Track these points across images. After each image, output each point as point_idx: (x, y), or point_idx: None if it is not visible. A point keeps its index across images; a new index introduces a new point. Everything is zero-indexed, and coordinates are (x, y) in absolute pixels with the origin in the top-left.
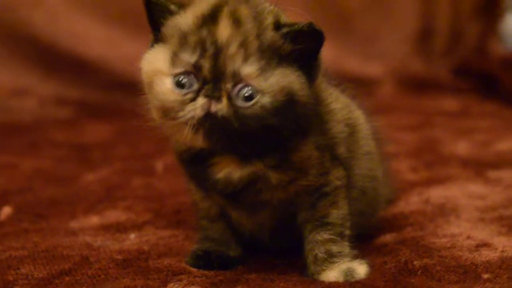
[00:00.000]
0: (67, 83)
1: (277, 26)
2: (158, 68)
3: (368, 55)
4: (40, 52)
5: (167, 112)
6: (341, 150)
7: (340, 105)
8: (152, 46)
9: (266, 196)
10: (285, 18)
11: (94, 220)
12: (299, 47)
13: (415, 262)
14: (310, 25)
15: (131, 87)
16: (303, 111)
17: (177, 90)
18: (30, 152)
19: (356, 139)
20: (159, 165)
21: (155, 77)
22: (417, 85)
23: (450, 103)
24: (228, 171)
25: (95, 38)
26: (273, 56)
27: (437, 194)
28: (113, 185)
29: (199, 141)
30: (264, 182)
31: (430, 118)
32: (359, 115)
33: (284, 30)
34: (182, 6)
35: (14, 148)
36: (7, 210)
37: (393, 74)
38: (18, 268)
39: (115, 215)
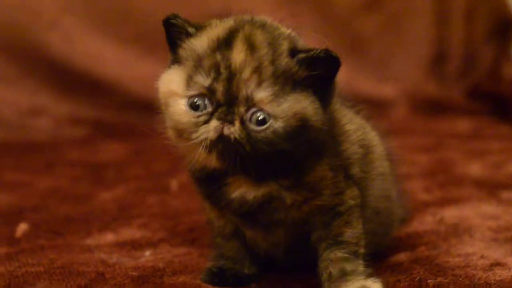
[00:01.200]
0: (82, 103)
1: (292, 52)
2: (173, 90)
3: (382, 78)
4: (55, 72)
5: (181, 132)
6: (355, 170)
7: (354, 126)
8: (169, 66)
9: (280, 216)
10: (301, 44)
11: (109, 237)
12: (315, 73)
13: (429, 281)
14: (327, 51)
15: (145, 107)
16: (316, 135)
17: (191, 112)
18: (45, 171)
19: (370, 160)
20: (174, 184)
21: (170, 99)
22: (430, 108)
23: (463, 125)
24: (243, 191)
25: (109, 59)
26: (287, 82)
27: (450, 214)
28: (128, 204)
29: (213, 162)
30: (278, 202)
31: (443, 139)
32: (373, 137)
33: (300, 56)
34: (196, 28)
35: (29, 167)
36: (23, 227)
37: (407, 97)
38: (35, 284)
39: (130, 233)
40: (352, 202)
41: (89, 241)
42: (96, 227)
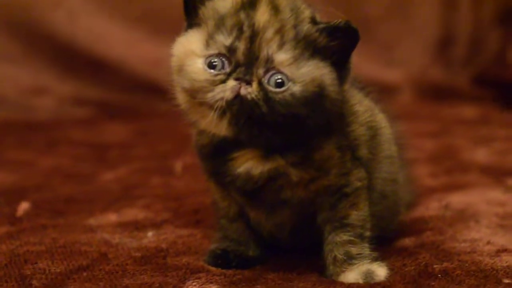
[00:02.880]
0: (86, 83)
1: (314, 20)
2: (191, 49)
3: (388, 62)
4: (59, 51)
5: (196, 93)
6: (363, 152)
7: (363, 108)
8: (185, 31)
9: (286, 194)
10: (319, 17)
11: (112, 218)
12: (334, 44)
13: (435, 266)
14: (347, 22)
15: (149, 88)
16: (330, 106)
17: (208, 71)
18: (48, 150)
19: (378, 143)
20: (178, 165)
21: (187, 59)
22: (436, 93)
23: (469, 111)
24: (249, 166)
25: (114, 39)
26: (307, 48)
27: (456, 200)
28: (131, 184)
29: (223, 128)
30: (284, 179)
31: (449, 125)
32: (381, 119)
33: (321, 25)
34: None
35: (32, 146)
36: (24, 206)
37: (413, 82)
38: (36, 263)
39: (133, 213)
40: (358, 183)
41: (92, 221)
42: (98, 207)
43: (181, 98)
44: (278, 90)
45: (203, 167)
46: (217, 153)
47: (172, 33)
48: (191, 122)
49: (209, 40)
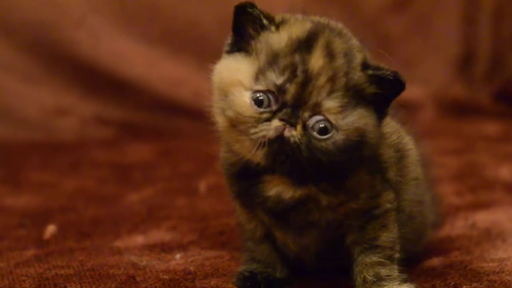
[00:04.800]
0: (109, 103)
1: (365, 66)
2: (239, 80)
3: (409, 79)
4: (81, 71)
5: (238, 124)
6: (391, 174)
7: (390, 129)
8: (229, 51)
9: (315, 217)
10: (370, 58)
11: (139, 239)
12: (380, 92)
13: (464, 286)
14: (396, 74)
15: (172, 108)
16: (369, 151)
17: (255, 107)
18: (71, 171)
19: (405, 165)
20: (202, 185)
21: (233, 88)
22: (458, 110)
23: (492, 128)
24: (280, 189)
25: (136, 58)
26: (355, 96)
27: (482, 218)
28: (156, 205)
29: (259, 158)
30: (314, 203)
31: (472, 142)
32: (408, 141)
33: (370, 72)
34: (273, 22)
35: (55, 167)
36: (51, 229)
37: (434, 99)
38: (65, 287)
39: (159, 235)
40: (388, 205)
41: (118, 243)
42: (124, 229)
43: (220, 121)
44: (321, 137)
45: (229, 187)
46: (246, 174)
47: (193, 52)
48: (225, 143)
49: (259, 74)
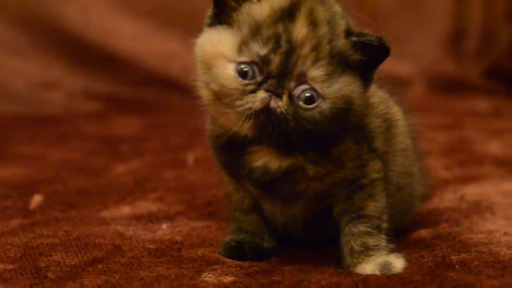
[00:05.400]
0: (97, 77)
1: (348, 33)
2: (222, 52)
3: (400, 55)
4: (70, 45)
5: (223, 97)
6: (379, 144)
7: (378, 99)
8: (210, 24)
9: (302, 187)
10: (353, 24)
11: (126, 210)
12: (365, 58)
13: (452, 257)
14: (380, 39)
15: (160, 81)
16: (355, 119)
17: (239, 79)
18: (58, 143)
19: (393, 135)
20: (190, 158)
21: (216, 60)
22: (448, 86)
23: (482, 104)
24: (267, 160)
25: (125, 33)
26: (340, 63)
27: (471, 191)
28: (144, 177)
29: (246, 129)
30: (301, 173)
31: (461, 118)
32: (396, 111)
33: (354, 39)
34: None
35: (42, 140)
36: (37, 199)
37: (425, 75)
38: (50, 255)
39: (146, 206)
40: (375, 175)
41: (105, 214)
42: (111, 200)
43: (205, 95)
44: (307, 106)
45: (216, 159)
46: (232, 146)
47: (182, 27)
48: (211, 116)
49: (242, 46)
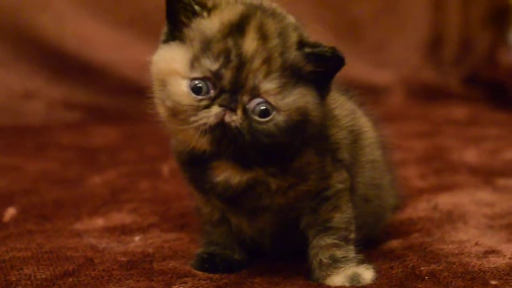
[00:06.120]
0: (75, 87)
1: (301, 45)
2: (175, 69)
3: (378, 63)
4: (47, 55)
5: (178, 114)
6: (344, 155)
7: (344, 111)
8: (165, 41)
9: (266, 201)
10: (307, 35)
11: (99, 222)
12: (319, 69)
13: (422, 268)
14: (334, 50)
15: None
16: (313, 130)
17: (192, 95)
18: (36, 154)
19: (360, 147)
20: (165, 169)
21: (169, 77)
22: (427, 94)
23: (460, 112)
24: (227, 175)
25: (102, 42)
26: (293, 75)
27: (445, 201)
28: (119, 188)
29: (204, 144)
30: (263, 187)
31: (439, 126)
32: (364, 123)
33: (307, 50)
34: (205, 8)
35: (20, 151)
36: (11, 211)
37: (403, 82)
38: (21, 269)
39: (120, 218)
40: (339, 185)
41: (78, 226)
42: (85, 212)
43: (161, 111)
44: (262, 119)
45: (182, 173)
46: (195, 161)
47: (160, 36)
48: (170, 132)
49: (194, 61)
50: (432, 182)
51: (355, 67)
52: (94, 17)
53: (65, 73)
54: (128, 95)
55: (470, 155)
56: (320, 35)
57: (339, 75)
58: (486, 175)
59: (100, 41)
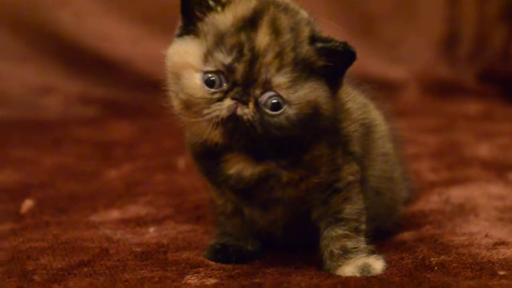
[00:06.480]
0: (92, 82)
1: (313, 40)
2: (189, 62)
3: (393, 59)
4: (65, 50)
5: (191, 106)
6: (355, 148)
7: (356, 104)
8: (179, 35)
9: (277, 194)
10: (319, 30)
11: (115, 214)
12: (331, 64)
13: (432, 259)
14: (345, 45)
15: (155, 86)
16: (324, 123)
17: (206, 88)
18: (53, 148)
19: (371, 140)
20: (181, 162)
21: (183, 70)
22: (441, 89)
23: (474, 107)
24: (240, 167)
25: (120, 37)
26: (305, 69)
27: (457, 194)
28: (135, 181)
29: (217, 137)
30: (275, 179)
31: (453, 121)
32: (376, 116)
33: (319, 45)
34: (219, 3)
35: (37, 144)
36: (28, 203)
37: (418, 78)
38: (38, 259)
39: (135, 210)
40: (350, 177)
41: (94, 218)
42: (101, 204)
43: (175, 104)
44: (274, 113)
45: (196, 166)
46: (208, 153)
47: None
48: (184, 124)
49: (207, 55)
50: (444, 175)
51: (370, 63)
52: (112, 12)
53: (82, 68)
54: (145, 90)
55: (483, 150)
56: (333, 31)
57: (354, 70)
58: (499, 169)
59: (117, 37)
